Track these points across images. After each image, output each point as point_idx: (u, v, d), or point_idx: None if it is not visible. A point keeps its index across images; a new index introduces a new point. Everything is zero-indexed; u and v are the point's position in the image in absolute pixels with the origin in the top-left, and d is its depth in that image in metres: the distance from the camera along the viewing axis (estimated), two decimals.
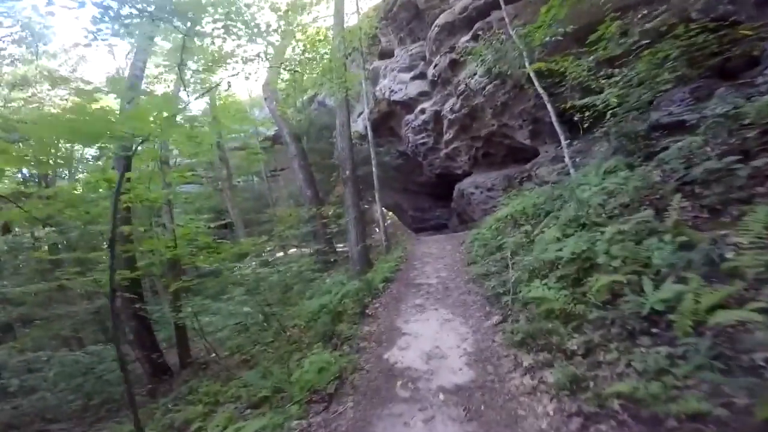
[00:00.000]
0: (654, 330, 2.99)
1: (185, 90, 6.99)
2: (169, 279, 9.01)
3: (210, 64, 7.02)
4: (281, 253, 20.55)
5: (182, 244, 8.78)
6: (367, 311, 6.31)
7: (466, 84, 12.52)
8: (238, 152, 22.16)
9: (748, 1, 5.88)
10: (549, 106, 8.56)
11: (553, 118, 8.52)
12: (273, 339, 8.19)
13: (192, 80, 8.93)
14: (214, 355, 9.71)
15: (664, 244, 3.21)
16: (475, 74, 12.03)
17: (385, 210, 28.90)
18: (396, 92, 15.66)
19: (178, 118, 6.53)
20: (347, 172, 9.77)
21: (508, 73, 10.45)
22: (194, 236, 9.05)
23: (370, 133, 12.32)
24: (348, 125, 10.55)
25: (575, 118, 8.41)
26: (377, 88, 16.79)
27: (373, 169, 11.39)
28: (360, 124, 18.19)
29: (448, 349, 4.47)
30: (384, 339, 5.12)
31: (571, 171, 8.02)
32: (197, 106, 23.62)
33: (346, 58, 13.45)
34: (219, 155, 18.91)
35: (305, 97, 20.36)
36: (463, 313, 5.43)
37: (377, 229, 31.09)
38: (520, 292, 4.87)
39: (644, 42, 6.30)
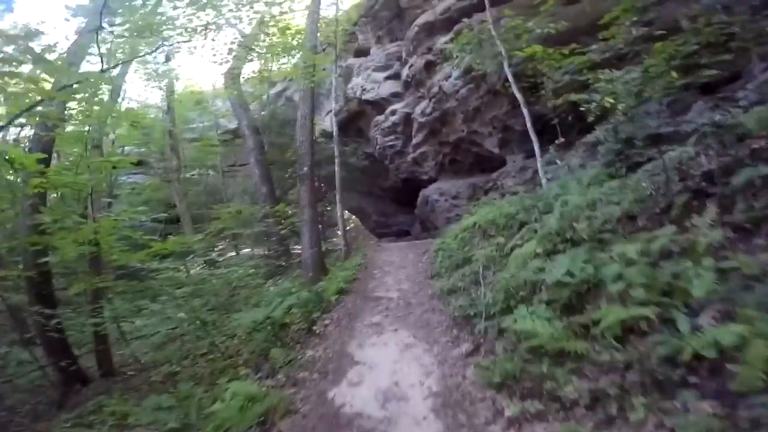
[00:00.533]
0: (694, 380, 2.16)
1: (102, 60, 5.56)
2: (85, 278, 7.44)
3: (136, 31, 5.65)
4: (233, 253, 18.92)
5: (105, 239, 7.29)
6: (314, 328, 5.20)
7: (439, 86, 11.76)
8: (196, 144, 20.39)
9: (744, 12, 5.42)
10: (525, 111, 7.88)
11: (528, 124, 7.84)
12: (207, 351, 6.93)
13: (113, 48, 7.44)
14: (136, 364, 8.23)
15: (702, 270, 2.41)
16: (449, 77, 11.30)
17: (347, 213, 27.85)
18: (368, 91, 14.69)
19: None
20: (305, 169, 8.63)
21: (486, 72, 9.72)
22: (118, 230, 7.59)
23: (335, 130, 11.24)
24: (310, 118, 9.42)
25: (554, 122, 7.79)
26: (349, 87, 15.74)
27: (336, 168, 10.31)
28: (327, 122, 17.06)
29: (409, 387, 3.46)
30: (331, 369, 4.03)
31: (543, 181, 7.35)
32: (155, 97, 21.56)
33: (320, 50, 12.39)
34: (170, 144, 17.13)
35: (273, 91, 18.94)
36: (426, 337, 4.45)
37: (339, 232, 29.90)
38: (495, 316, 3.98)
39: (630, 49, 5.73)
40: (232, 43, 12.20)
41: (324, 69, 11.50)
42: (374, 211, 19.26)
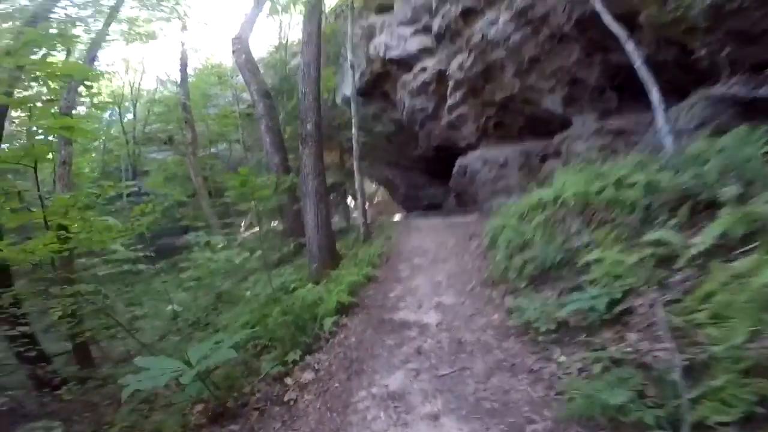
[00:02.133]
0: None
1: None
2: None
3: None
4: (257, 229, 16.70)
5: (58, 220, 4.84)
6: (282, 393, 2.55)
7: (482, 35, 8.43)
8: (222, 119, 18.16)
9: None
10: (631, 47, 4.59)
11: (638, 63, 4.53)
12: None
13: None
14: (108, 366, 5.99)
15: None
16: (496, 21, 7.98)
17: (374, 186, 24.86)
18: (392, 48, 11.46)
19: None
20: (308, 127, 5.82)
21: (549, 12, 6.59)
22: (78, 208, 5.09)
23: (352, 87, 8.27)
24: (316, 65, 6.50)
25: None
26: (371, 46, 12.58)
27: (354, 131, 7.45)
28: (349, 90, 14.09)
29: None
30: None
31: (667, 140, 4.20)
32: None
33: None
34: (185, 117, 14.86)
35: (294, 62, 16.05)
36: None
37: (357, 209, 27.26)
38: None
39: None
40: None
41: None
42: (403, 183, 16.29)
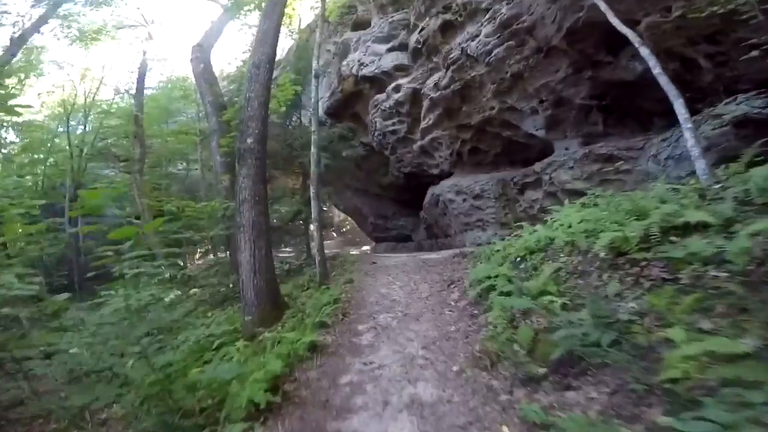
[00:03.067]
0: None
1: None
2: None
3: None
4: (210, 257, 14.85)
5: None
6: None
7: (461, 49, 7.76)
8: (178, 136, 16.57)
9: None
10: (646, 51, 3.83)
11: (656, 70, 3.74)
12: None
13: None
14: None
15: None
16: (477, 35, 7.34)
17: (338, 216, 23.49)
18: (366, 65, 10.67)
19: None
20: (249, 141, 4.55)
21: (535, 22, 6.04)
22: None
23: (315, 96, 7.17)
24: (269, 66, 5.37)
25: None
26: (344, 63, 11.76)
27: (312, 150, 6.26)
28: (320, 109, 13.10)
29: None
30: None
31: (699, 166, 3.34)
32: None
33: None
34: (134, 131, 13.22)
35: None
36: None
37: (334, 234, 25.52)
38: None
39: None
40: None
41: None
42: (371, 212, 15.19)
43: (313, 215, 5.95)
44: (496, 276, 3.29)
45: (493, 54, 7.14)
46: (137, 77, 14.32)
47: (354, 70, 11.11)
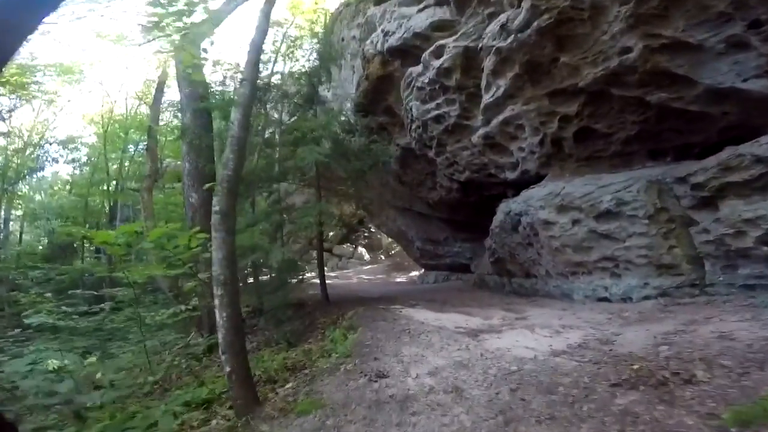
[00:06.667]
0: None
1: None
2: None
3: None
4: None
5: None
6: None
7: None
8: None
9: None
10: None
11: None
12: None
13: None
14: None
15: None
16: None
17: (386, 238, 19.77)
18: (392, 33, 7.24)
19: None
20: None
21: None
22: None
23: None
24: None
25: None
26: (367, 42, 8.46)
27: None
28: (349, 105, 9.91)
29: None
30: None
31: None
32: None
33: None
34: (147, 145, 11.44)
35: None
36: None
37: (381, 257, 21.41)
38: None
39: None
40: None
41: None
42: (417, 236, 11.42)
43: (214, 258, 2.42)
44: None
45: None
46: (155, 86, 12.60)
47: (378, 46, 7.70)
